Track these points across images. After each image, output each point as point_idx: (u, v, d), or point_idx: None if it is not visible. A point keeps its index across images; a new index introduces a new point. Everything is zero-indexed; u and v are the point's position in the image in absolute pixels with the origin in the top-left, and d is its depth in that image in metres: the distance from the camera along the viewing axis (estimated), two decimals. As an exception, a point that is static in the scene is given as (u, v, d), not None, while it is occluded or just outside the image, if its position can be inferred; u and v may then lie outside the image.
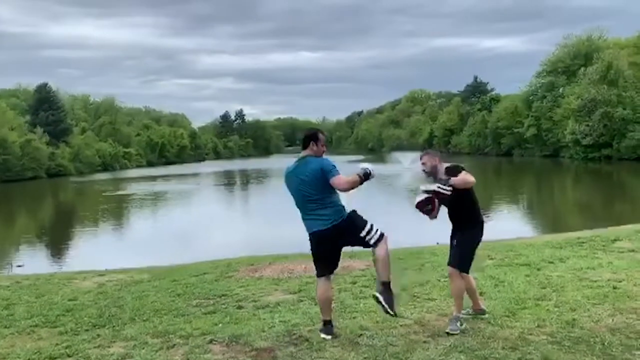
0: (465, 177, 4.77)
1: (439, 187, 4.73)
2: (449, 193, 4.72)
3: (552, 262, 7.50)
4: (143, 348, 4.71)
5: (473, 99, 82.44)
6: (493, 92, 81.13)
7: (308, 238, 4.79)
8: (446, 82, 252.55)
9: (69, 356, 4.62)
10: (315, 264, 4.86)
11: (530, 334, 4.63)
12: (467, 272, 4.90)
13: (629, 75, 49.19)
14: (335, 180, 4.56)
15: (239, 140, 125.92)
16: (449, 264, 4.96)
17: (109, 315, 5.88)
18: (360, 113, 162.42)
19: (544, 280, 6.44)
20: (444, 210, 5.03)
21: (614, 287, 5.97)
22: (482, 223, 4.98)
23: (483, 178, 42.64)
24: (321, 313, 4.85)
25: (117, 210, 27.30)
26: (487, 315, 5.03)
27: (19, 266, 12.69)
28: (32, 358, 4.60)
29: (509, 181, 39.22)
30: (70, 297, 7.04)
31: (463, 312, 4.97)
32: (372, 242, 4.64)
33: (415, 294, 6.09)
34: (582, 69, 53.28)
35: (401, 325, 4.97)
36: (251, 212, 26.17)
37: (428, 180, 4.93)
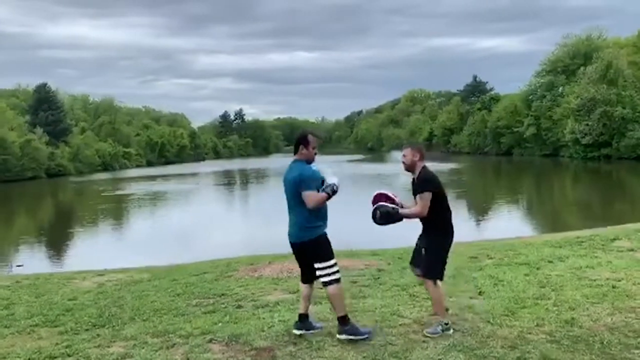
0: (414, 211, 4.70)
1: (393, 209, 4.71)
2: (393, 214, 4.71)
3: (551, 262, 7.51)
4: (143, 348, 4.71)
5: (473, 98, 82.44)
6: (492, 92, 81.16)
7: None
8: (444, 81, 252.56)
9: (69, 356, 4.62)
10: None
11: (530, 333, 4.64)
12: (440, 279, 4.82)
13: (629, 75, 49.21)
14: (304, 196, 4.55)
15: (238, 140, 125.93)
16: (411, 262, 5.04)
17: (109, 315, 5.88)
18: (359, 113, 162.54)
19: (543, 280, 6.45)
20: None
21: (613, 286, 5.98)
22: (451, 230, 4.83)
23: (482, 177, 42.71)
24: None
25: (116, 210, 27.31)
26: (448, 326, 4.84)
27: (19, 266, 12.70)
28: (33, 357, 4.60)
29: (508, 180, 39.23)
30: (70, 296, 7.04)
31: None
32: (322, 280, 4.64)
33: (415, 294, 6.10)
34: (582, 68, 53.30)
35: (400, 325, 4.98)
36: (250, 211, 26.19)
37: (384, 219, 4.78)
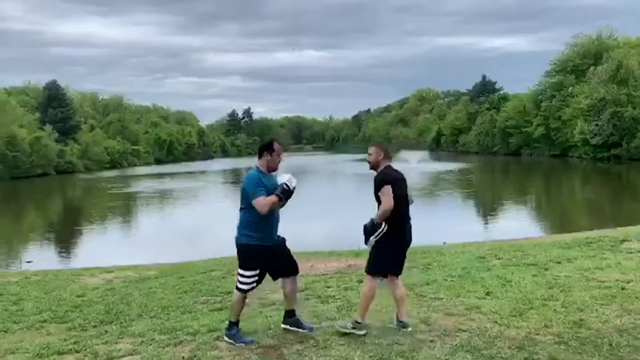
0: (381, 209, 4.66)
1: (378, 235, 4.67)
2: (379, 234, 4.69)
3: (559, 262, 7.47)
4: (150, 344, 4.73)
5: (481, 98, 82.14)
6: (501, 92, 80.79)
7: None
8: (452, 81, 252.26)
9: (77, 352, 4.65)
10: None
11: (537, 334, 4.61)
12: (379, 276, 4.83)
13: (639, 75, 48.79)
14: (254, 204, 4.56)
15: (246, 138, 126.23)
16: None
17: (117, 312, 5.92)
18: (367, 111, 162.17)
19: (551, 281, 6.42)
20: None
21: (622, 288, 5.93)
22: (401, 234, 4.79)
23: (491, 177, 42.54)
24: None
25: (124, 207, 27.44)
26: (409, 329, 4.76)
27: (28, 262, 12.80)
28: (41, 353, 4.64)
29: (517, 181, 39.03)
30: (78, 293, 7.10)
31: (390, 324, 4.91)
32: (236, 284, 4.71)
33: (422, 293, 6.09)
34: (592, 68, 52.93)
35: (402, 327, 4.96)
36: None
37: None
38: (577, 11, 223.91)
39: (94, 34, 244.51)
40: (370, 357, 4.24)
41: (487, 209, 22.25)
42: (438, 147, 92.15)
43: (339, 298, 6.02)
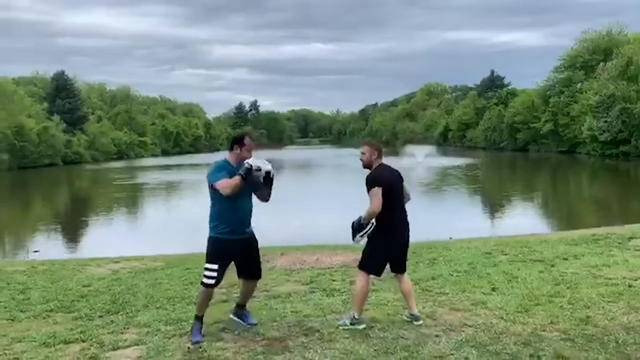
0: (369, 210, 4.65)
1: (364, 234, 4.68)
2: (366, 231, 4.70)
3: (566, 259, 7.44)
4: (156, 335, 4.76)
5: (489, 93, 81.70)
6: (510, 87, 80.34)
7: None
8: (460, 75, 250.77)
9: (83, 341, 4.68)
10: None
11: (543, 331, 4.60)
12: (373, 274, 4.84)
13: (649, 71, 48.31)
14: (216, 186, 4.52)
15: (253, 131, 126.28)
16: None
17: (123, 302, 5.94)
18: (374, 105, 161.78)
19: (557, 277, 6.39)
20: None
21: (629, 285, 5.90)
22: (394, 231, 4.78)
23: (498, 173, 42.37)
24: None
25: (131, 198, 27.54)
26: (421, 322, 4.79)
27: (35, 252, 12.86)
28: (48, 342, 4.66)
29: (524, 177, 38.85)
30: (84, 283, 7.13)
31: (405, 315, 4.93)
32: (202, 279, 4.71)
33: (428, 288, 6.08)
34: (601, 64, 52.45)
35: (413, 320, 4.96)
36: (263, 203, 26.20)
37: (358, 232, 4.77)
38: (586, 6, 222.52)
39: (102, 25, 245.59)
40: (375, 350, 4.24)
41: (494, 205, 22.17)
42: (445, 142, 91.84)
43: (345, 291, 6.02)
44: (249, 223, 4.79)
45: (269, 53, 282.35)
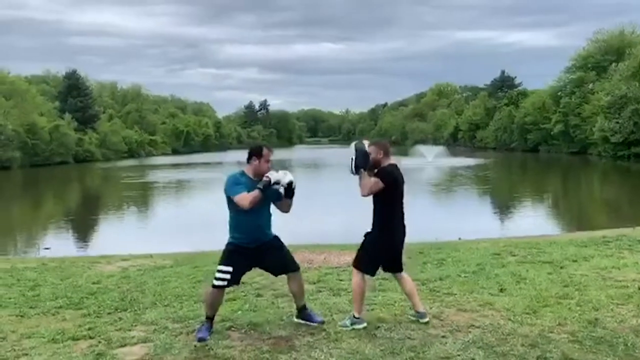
0: (364, 184, 4.67)
1: (352, 159, 4.74)
2: (350, 170, 4.77)
3: (575, 261, 7.39)
4: (163, 332, 4.78)
5: (500, 93, 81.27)
6: (520, 87, 79.87)
7: None
8: (470, 75, 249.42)
9: (91, 338, 4.71)
10: None
11: (551, 332, 4.57)
12: (367, 273, 4.83)
13: (663, 72, 47.82)
14: (236, 201, 4.58)
15: (262, 130, 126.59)
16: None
17: (131, 299, 5.97)
18: (384, 105, 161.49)
19: (566, 279, 6.35)
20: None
21: (639, 288, 5.85)
22: (389, 230, 4.76)
23: (509, 174, 42.14)
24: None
25: (141, 196, 27.68)
26: (427, 319, 4.82)
27: (46, 249, 12.97)
28: (56, 338, 4.70)
29: (534, 178, 38.62)
30: (94, 280, 7.18)
31: (410, 314, 4.93)
32: (213, 280, 4.74)
33: (435, 288, 6.06)
34: (614, 64, 52.01)
35: (419, 318, 4.95)
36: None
37: (359, 146, 4.82)
38: (598, 6, 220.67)
39: (113, 24, 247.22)
40: (381, 350, 4.24)
41: (504, 206, 22.05)
42: (455, 142, 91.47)
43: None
44: (269, 230, 4.85)
45: (279, 52, 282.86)
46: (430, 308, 5.26)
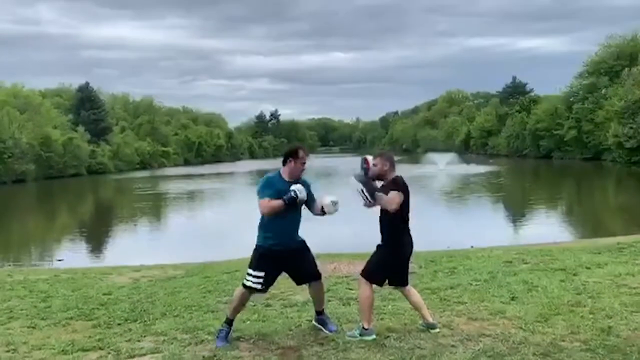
0: (389, 200, 4.61)
1: (362, 191, 4.70)
2: (365, 202, 4.72)
3: (589, 268, 7.29)
4: (172, 343, 4.78)
5: (512, 99, 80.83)
6: (532, 93, 79.41)
7: None
8: (482, 82, 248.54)
9: (100, 349, 4.73)
10: None
11: (563, 341, 4.51)
12: (375, 284, 4.79)
13: (676, 77, 47.33)
14: (258, 203, 4.67)
15: (273, 140, 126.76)
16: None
17: (141, 310, 5.99)
18: (395, 113, 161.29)
19: (579, 286, 6.27)
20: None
21: (654, 295, 5.75)
22: (397, 246, 4.73)
23: (521, 181, 41.83)
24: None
25: (154, 207, 27.83)
26: (437, 330, 4.77)
27: (60, 260, 13.09)
28: (66, 349, 4.72)
29: (547, 184, 38.30)
30: (105, 291, 7.22)
31: (420, 324, 4.89)
32: (243, 280, 4.78)
33: (446, 297, 6.01)
34: (626, 69, 51.58)
35: (430, 329, 4.91)
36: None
37: (359, 177, 4.79)
38: (611, 11, 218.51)
39: (126, 37, 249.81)
40: (391, 360, 4.20)
41: (516, 213, 21.87)
42: (467, 149, 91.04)
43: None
44: (297, 234, 4.86)
45: (290, 63, 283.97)
46: (441, 317, 5.21)
